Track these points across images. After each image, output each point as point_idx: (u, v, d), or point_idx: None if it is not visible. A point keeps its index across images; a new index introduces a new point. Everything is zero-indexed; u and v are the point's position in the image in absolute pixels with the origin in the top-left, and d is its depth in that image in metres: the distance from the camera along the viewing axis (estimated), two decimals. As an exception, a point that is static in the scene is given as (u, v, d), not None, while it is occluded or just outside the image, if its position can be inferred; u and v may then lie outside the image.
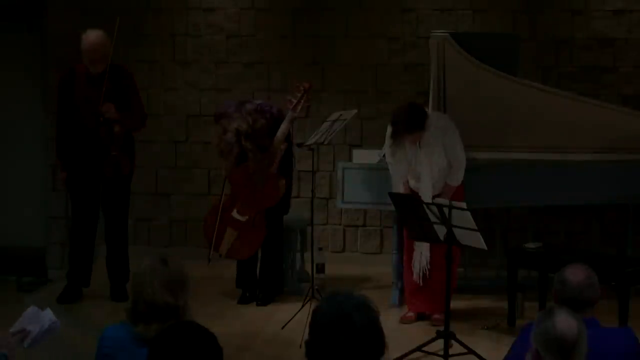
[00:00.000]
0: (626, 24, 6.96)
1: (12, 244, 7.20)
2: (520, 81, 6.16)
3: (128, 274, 6.18)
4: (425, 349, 5.21)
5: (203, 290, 6.29)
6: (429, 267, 5.72)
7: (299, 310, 5.63)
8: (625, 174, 6.11)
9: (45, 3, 7.34)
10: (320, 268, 6.49)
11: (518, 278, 5.87)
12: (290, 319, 5.66)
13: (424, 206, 5.07)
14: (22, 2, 7.25)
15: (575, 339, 2.82)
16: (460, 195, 5.61)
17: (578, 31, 7.01)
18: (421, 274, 5.73)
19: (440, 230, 5.02)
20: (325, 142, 6.04)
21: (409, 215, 5.28)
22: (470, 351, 5.12)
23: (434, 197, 5.56)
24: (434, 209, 4.98)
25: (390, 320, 5.81)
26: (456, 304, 5.82)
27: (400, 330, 5.72)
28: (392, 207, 5.54)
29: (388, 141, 5.79)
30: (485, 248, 4.94)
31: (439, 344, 5.18)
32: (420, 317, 5.93)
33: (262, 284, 6.23)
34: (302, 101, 5.99)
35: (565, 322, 2.83)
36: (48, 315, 3.20)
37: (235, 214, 6.10)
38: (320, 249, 6.71)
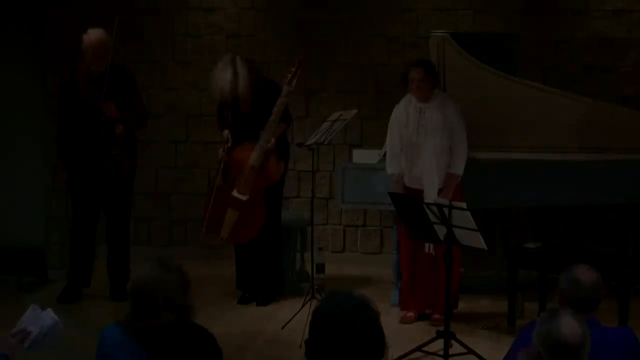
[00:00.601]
0: (626, 24, 6.96)
1: (12, 244, 7.20)
2: (520, 81, 6.17)
3: (129, 274, 6.19)
4: (425, 349, 5.22)
5: (203, 290, 6.28)
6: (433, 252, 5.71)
7: (299, 310, 5.63)
8: (625, 173, 6.11)
9: (45, 3, 7.34)
10: (320, 268, 6.49)
11: (518, 278, 5.87)
12: (290, 319, 5.66)
13: (424, 206, 5.07)
14: (22, 2, 7.24)
15: (580, 343, 2.81)
16: (458, 195, 5.62)
17: (578, 31, 7.02)
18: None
19: (440, 230, 5.02)
20: (325, 142, 6.04)
21: (409, 215, 5.28)
22: (470, 351, 5.12)
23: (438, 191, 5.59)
24: (434, 209, 4.98)
25: (390, 320, 5.81)
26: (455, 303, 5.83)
27: (400, 330, 5.72)
28: (392, 207, 5.54)
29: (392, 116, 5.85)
30: (485, 248, 4.94)
31: (439, 344, 5.18)
32: (420, 317, 5.93)
33: (261, 284, 6.23)
34: (297, 74, 5.98)
35: (569, 325, 2.82)
36: (49, 316, 3.20)
37: (235, 193, 6.07)
38: (320, 249, 6.70)
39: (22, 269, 6.87)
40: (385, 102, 7.08)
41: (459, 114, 5.73)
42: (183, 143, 7.49)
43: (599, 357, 3.06)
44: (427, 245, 5.67)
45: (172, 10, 7.41)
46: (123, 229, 6.35)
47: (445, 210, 4.92)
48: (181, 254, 6.88)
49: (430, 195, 5.56)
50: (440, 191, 5.62)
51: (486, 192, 6.04)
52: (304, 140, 6.26)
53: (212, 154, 6.63)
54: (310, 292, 5.70)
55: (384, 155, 6.11)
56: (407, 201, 5.36)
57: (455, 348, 5.15)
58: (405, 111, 5.77)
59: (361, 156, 6.42)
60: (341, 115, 5.93)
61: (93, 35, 6.02)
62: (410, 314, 5.92)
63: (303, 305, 5.63)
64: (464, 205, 4.90)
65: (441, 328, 5.22)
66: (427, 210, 5.02)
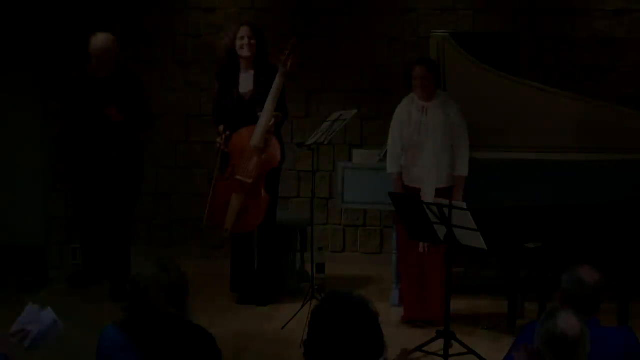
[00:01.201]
0: (626, 24, 6.96)
1: (12, 243, 7.19)
2: (520, 81, 6.17)
3: (129, 275, 6.19)
4: (425, 349, 5.22)
5: (203, 290, 6.29)
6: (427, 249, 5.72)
7: (299, 310, 5.63)
8: (624, 173, 6.11)
9: (46, 2, 7.35)
10: (320, 268, 6.49)
11: (518, 278, 5.87)
12: (290, 319, 5.66)
13: (424, 206, 5.07)
14: (23, 2, 7.25)
15: (578, 338, 2.82)
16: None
17: (578, 31, 7.01)
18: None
19: (440, 230, 5.02)
20: (325, 142, 6.04)
21: (409, 215, 5.28)
22: (470, 351, 5.12)
23: (438, 190, 5.58)
24: (434, 209, 4.98)
25: (390, 320, 5.82)
26: (456, 303, 5.82)
27: (400, 330, 5.73)
28: (392, 207, 5.54)
29: (396, 114, 5.84)
30: (486, 248, 4.94)
31: (439, 344, 5.18)
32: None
33: (260, 284, 6.22)
34: (291, 56, 5.98)
35: (568, 320, 2.84)
36: (48, 315, 3.19)
37: (239, 177, 6.03)
38: (320, 249, 6.71)
39: (22, 269, 6.87)
40: (385, 102, 7.09)
41: (462, 115, 5.73)
42: (183, 143, 7.50)
43: (599, 357, 3.07)
44: (421, 245, 5.68)
45: (172, 10, 7.41)
46: (122, 229, 6.34)
47: (445, 210, 4.92)
48: (181, 254, 6.88)
49: (428, 194, 5.56)
50: (441, 194, 5.58)
51: (485, 192, 6.04)
52: (304, 140, 6.26)
53: (212, 154, 6.63)
54: (310, 292, 5.70)
55: (384, 155, 6.11)
56: (407, 201, 5.36)
57: (455, 348, 5.14)
58: (407, 110, 5.78)
59: (361, 156, 6.42)
60: (341, 115, 5.93)
61: (98, 40, 6.04)
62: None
63: (303, 305, 5.63)
64: (464, 205, 4.90)
65: (441, 328, 5.22)
66: (427, 210, 5.02)
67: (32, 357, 3.39)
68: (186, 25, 7.41)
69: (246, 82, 6.12)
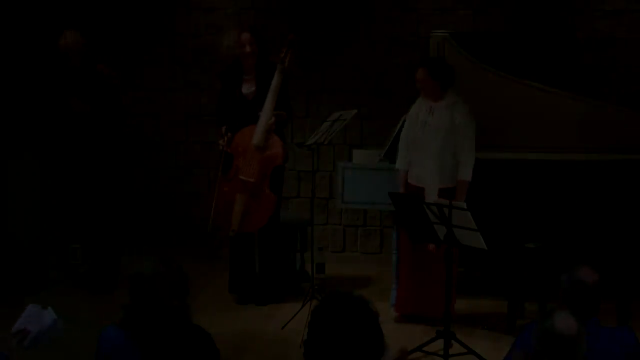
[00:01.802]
0: (626, 24, 6.96)
1: (12, 243, 7.18)
2: (520, 81, 6.17)
3: (113, 269, 6.44)
4: (425, 349, 5.22)
5: (203, 290, 6.29)
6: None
7: (299, 310, 5.64)
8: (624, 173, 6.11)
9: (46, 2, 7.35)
10: (320, 268, 6.50)
11: (518, 278, 5.87)
12: (290, 319, 5.67)
13: (424, 206, 5.07)
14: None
15: (574, 335, 2.82)
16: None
17: (578, 31, 7.01)
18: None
19: (440, 230, 5.02)
20: (325, 142, 6.05)
21: (409, 215, 5.28)
22: (470, 351, 5.13)
23: (441, 189, 5.57)
24: (434, 209, 4.98)
25: (390, 320, 5.82)
26: (456, 304, 5.82)
27: (400, 330, 5.73)
28: (392, 207, 5.54)
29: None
30: (486, 248, 4.94)
31: (439, 344, 5.18)
32: (415, 317, 5.94)
33: (261, 283, 6.22)
34: (289, 53, 6.00)
35: (564, 320, 2.85)
36: (49, 315, 3.20)
37: (242, 176, 6.03)
38: (320, 249, 6.71)
39: (22, 269, 6.87)
40: (385, 102, 7.10)
41: (469, 117, 5.67)
42: (183, 143, 7.49)
43: (599, 357, 3.07)
44: (430, 244, 5.66)
45: (172, 10, 7.41)
46: (101, 225, 6.47)
47: (445, 210, 4.92)
48: (181, 254, 6.88)
49: (431, 195, 5.55)
50: (446, 194, 5.56)
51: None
52: (304, 140, 6.26)
53: (212, 154, 6.63)
54: (310, 292, 5.70)
55: (384, 155, 6.11)
56: (407, 201, 5.36)
57: (455, 348, 5.15)
58: (417, 110, 5.78)
59: (361, 156, 6.42)
60: (341, 115, 5.93)
61: (67, 36, 6.39)
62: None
63: (303, 305, 5.64)
64: (464, 205, 4.90)
65: (441, 328, 5.22)
66: (427, 210, 5.02)
67: (32, 357, 3.39)
68: (186, 25, 7.41)
69: (249, 83, 6.13)
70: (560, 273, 3.48)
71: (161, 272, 3.07)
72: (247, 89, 6.13)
